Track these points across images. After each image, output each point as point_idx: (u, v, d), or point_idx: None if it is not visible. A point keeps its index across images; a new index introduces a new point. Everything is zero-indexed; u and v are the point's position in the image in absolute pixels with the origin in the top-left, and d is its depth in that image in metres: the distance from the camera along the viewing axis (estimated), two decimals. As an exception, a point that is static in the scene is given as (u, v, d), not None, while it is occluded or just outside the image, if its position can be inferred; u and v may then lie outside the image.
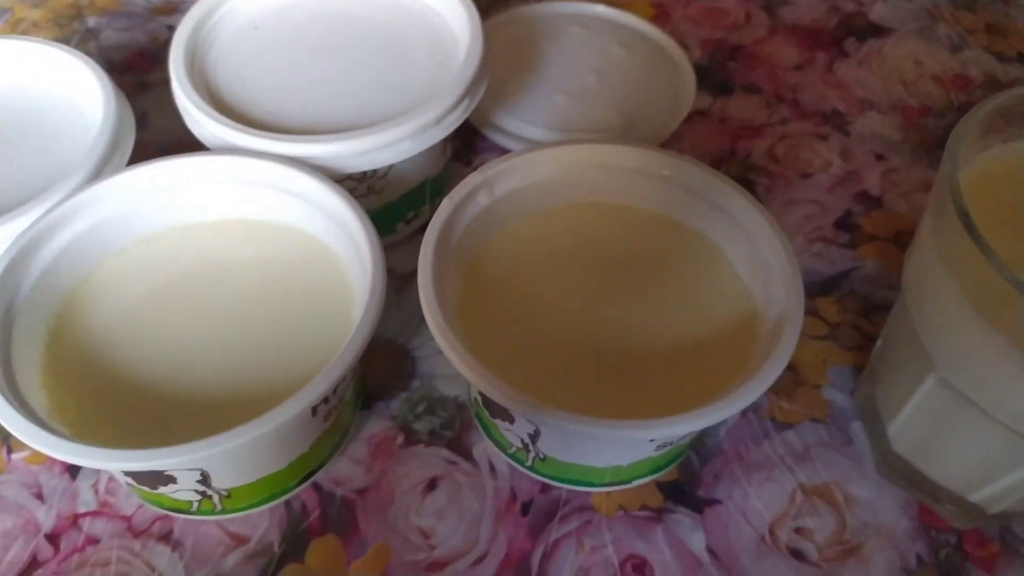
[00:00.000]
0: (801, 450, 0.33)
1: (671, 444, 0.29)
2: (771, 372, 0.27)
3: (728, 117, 0.46)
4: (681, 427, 0.26)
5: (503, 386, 0.27)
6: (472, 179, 0.32)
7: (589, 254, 0.33)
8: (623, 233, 0.34)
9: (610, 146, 0.33)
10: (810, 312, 0.37)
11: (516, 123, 0.43)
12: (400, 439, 0.34)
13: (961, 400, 0.27)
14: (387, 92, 0.37)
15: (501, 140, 0.43)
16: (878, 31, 0.51)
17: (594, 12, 0.48)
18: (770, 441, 0.34)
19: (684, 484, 0.33)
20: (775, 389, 0.35)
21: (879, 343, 0.33)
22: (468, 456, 0.33)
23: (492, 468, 0.33)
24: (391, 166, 0.35)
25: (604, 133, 0.42)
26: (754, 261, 0.31)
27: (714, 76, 0.48)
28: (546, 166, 0.33)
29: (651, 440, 0.28)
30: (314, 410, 0.28)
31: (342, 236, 0.32)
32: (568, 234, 0.34)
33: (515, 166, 0.33)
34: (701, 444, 0.34)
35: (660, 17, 0.51)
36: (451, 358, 0.27)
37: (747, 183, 0.42)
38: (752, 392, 0.26)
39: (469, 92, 0.35)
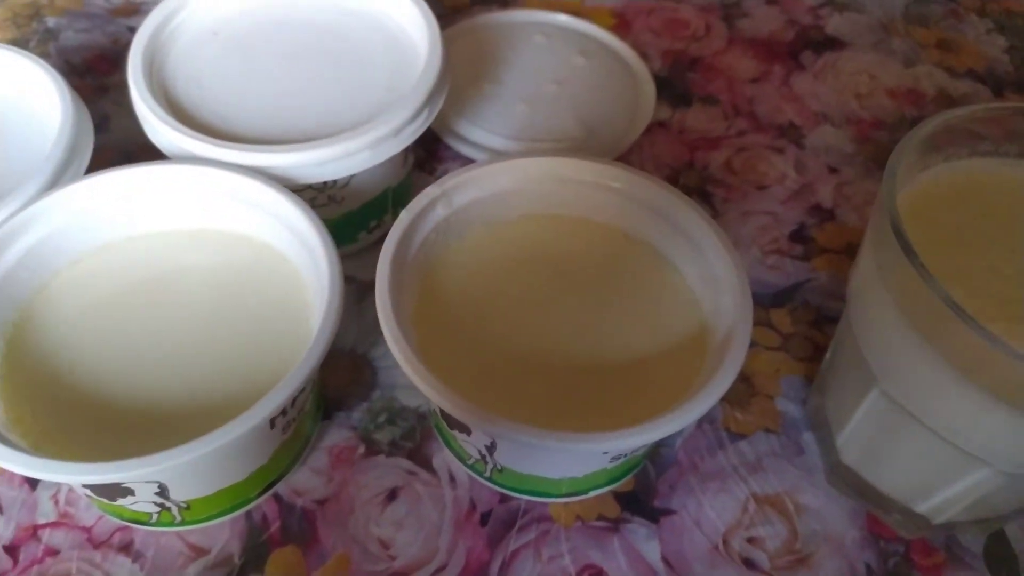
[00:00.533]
0: (754, 460, 0.34)
1: (626, 456, 0.30)
2: (719, 386, 0.27)
3: (687, 128, 0.46)
4: (632, 440, 0.26)
5: (456, 398, 0.27)
6: (430, 191, 0.32)
7: (546, 266, 0.33)
8: (579, 246, 0.34)
9: (567, 159, 0.34)
10: (764, 323, 0.38)
11: (477, 132, 0.43)
12: (361, 449, 0.34)
13: (902, 413, 0.27)
14: (346, 101, 0.37)
15: (463, 149, 0.43)
16: (834, 44, 0.51)
17: (555, 21, 0.48)
18: (724, 451, 0.34)
19: (640, 494, 0.33)
20: (729, 400, 0.36)
21: (828, 355, 0.34)
22: (428, 466, 0.34)
23: (452, 478, 0.33)
24: (352, 176, 0.35)
25: (564, 143, 0.42)
26: (705, 275, 0.31)
27: (674, 87, 0.48)
28: (504, 178, 0.34)
29: (605, 452, 0.28)
30: (272, 422, 0.28)
31: (300, 247, 0.32)
32: (525, 246, 0.34)
33: (473, 178, 0.33)
34: (657, 455, 0.34)
35: (621, 27, 0.52)
36: (406, 370, 0.28)
37: (704, 195, 0.43)
38: (700, 406, 0.27)
39: (428, 103, 0.35)
